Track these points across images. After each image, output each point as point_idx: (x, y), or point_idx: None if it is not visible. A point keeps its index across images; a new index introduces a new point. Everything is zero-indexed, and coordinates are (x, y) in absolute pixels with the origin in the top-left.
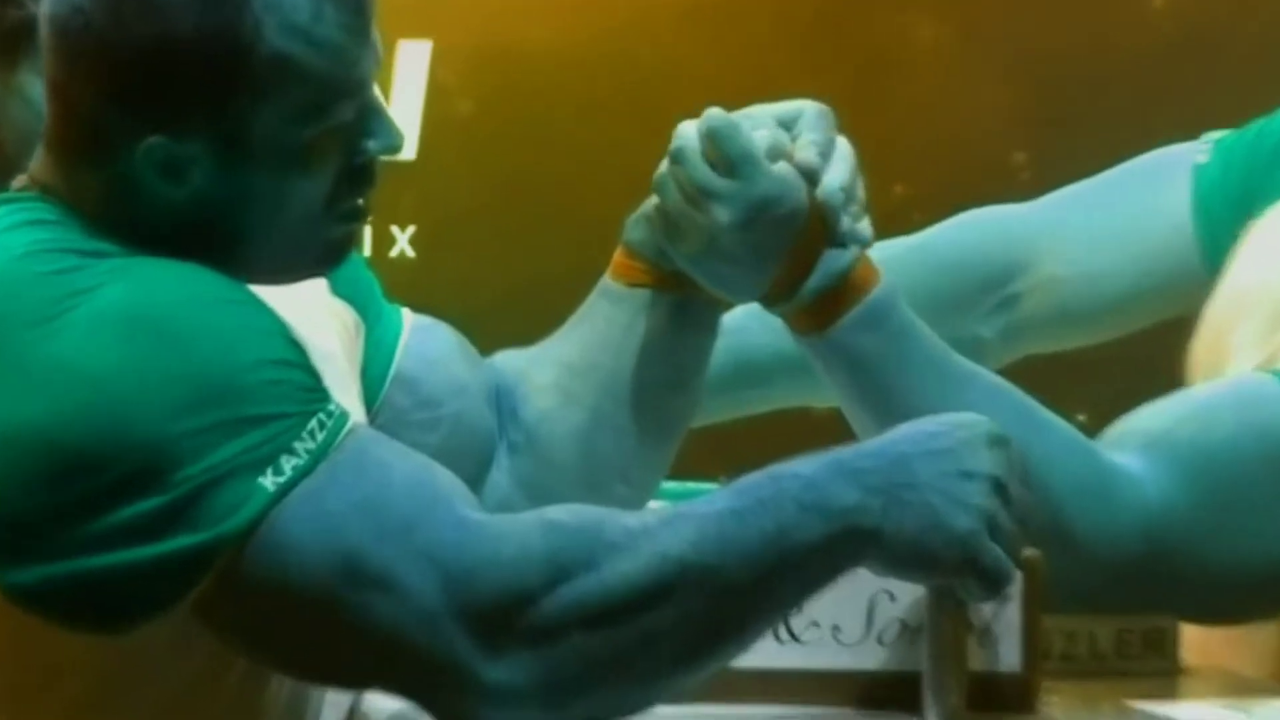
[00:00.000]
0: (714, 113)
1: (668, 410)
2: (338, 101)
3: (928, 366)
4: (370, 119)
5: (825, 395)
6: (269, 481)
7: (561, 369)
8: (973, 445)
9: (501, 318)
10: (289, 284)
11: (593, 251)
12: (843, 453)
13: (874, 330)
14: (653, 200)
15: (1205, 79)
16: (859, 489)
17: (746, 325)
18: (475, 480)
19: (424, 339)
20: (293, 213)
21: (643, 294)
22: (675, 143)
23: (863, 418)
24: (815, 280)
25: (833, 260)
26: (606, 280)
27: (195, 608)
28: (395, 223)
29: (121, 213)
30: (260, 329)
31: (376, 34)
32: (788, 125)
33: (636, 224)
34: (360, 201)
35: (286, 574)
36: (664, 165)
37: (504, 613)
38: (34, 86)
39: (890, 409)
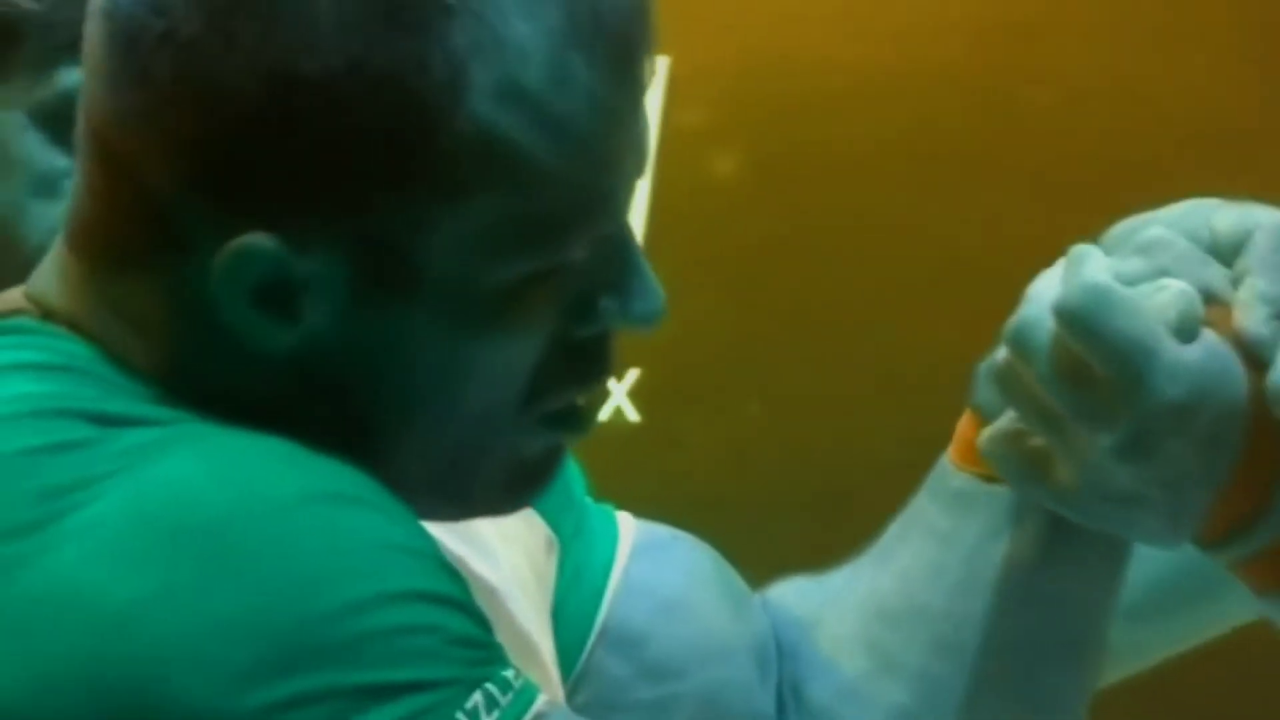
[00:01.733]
0: (1074, 263)
1: (1047, 685)
2: (571, 225)
3: None
4: (617, 264)
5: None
6: None
7: (868, 614)
8: None
9: (779, 515)
10: (446, 520)
11: (926, 402)
12: None
13: None
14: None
15: None
16: None
17: None
18: None
19: (656, 566)
20: (470, 400)
21: (1007, 495)
22: (1014, 321)
23: None
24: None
25: None
26: (946, 466)
27: None
28: None
29: (183, 357)
30: (393, 545)
31: (648, 115)
32: (1223, 255)
33: (994, 379)
34: (581, 400)
35: None
36: (1000, 352)
37: None
38: (23, 136)
39: None
